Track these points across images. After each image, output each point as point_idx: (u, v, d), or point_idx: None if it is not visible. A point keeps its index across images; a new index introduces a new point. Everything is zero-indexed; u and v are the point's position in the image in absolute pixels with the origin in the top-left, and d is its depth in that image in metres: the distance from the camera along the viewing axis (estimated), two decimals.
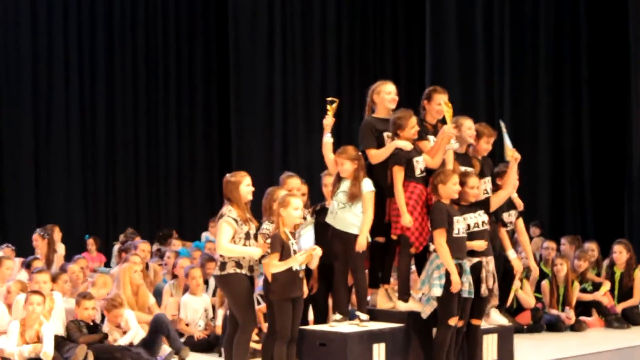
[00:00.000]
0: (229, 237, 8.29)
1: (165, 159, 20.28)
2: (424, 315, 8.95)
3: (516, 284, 11.40)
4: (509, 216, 10.08)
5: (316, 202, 9.56)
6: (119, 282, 10.64)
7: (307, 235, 8.27)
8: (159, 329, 9.88)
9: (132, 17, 19.89)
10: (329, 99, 9.15)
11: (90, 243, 15.79)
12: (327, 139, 9.15)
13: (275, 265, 8.23)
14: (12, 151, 18.26)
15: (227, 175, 8.58)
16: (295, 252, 8.26)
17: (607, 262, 13.33)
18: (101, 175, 19.35)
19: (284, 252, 8.26)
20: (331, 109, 9.12)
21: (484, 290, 9.05)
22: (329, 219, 8.95)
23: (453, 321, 8.80)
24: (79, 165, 19.04)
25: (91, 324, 9.85)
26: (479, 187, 9.15)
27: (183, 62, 20.56)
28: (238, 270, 8.31)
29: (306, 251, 8.22)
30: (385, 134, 9.22)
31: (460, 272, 8.76)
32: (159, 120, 20.24)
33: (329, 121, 9.12)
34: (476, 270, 8.99)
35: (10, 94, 18.33)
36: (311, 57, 20.11)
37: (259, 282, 9.04)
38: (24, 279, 10.91)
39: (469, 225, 8.98)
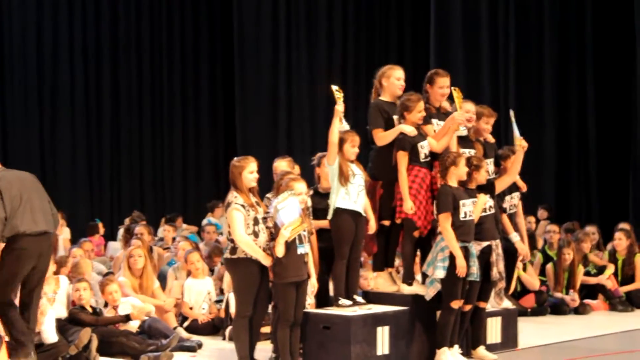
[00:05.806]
0: (243, 224, 8.23)
1: (170, 144, 20.32)
2: (428, 297, 8.95)
3: (519, 266, 11.41)
4: (512, 199, 10.05)
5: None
6: (124, 266, 10.65)
7: (287, 209, 8.17)
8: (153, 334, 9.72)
9: (137, 2, 19.89)
10: (335, 87, 8.94)
11: (101, 227, 15.82)
12: (346, 126, 8.94)
13: (276, 248, 8.22)
14: (17, 137, 18.28)
15: (234, 159, 8.53)
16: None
17: (610, 247, 13.35)
18: (106, 160, 19.39)
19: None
20: (341, 96, 8.88)
21: (495, 273, 9.07)
22: (347, 204, 8.83)
23: (456, 304, 8.80)
24: (85, 151, 19.08)
25: (90, 310, 9.76)
26: (487, 169, 9.16)
27: (187, 48, 20.60)
28: (249, 255, 8.27)
29: (290, 224, 8.16)
30: (395, 117, 9.19)
31: (467, 256, 8.76)
32: (163, 105, 20.27)
33: (342, 108, 8.85)
34: (486, 254, 9.02)
35: (16, 79, 18.37)
36: (316, 41, 20.07)
37: None
38: None
39: None
